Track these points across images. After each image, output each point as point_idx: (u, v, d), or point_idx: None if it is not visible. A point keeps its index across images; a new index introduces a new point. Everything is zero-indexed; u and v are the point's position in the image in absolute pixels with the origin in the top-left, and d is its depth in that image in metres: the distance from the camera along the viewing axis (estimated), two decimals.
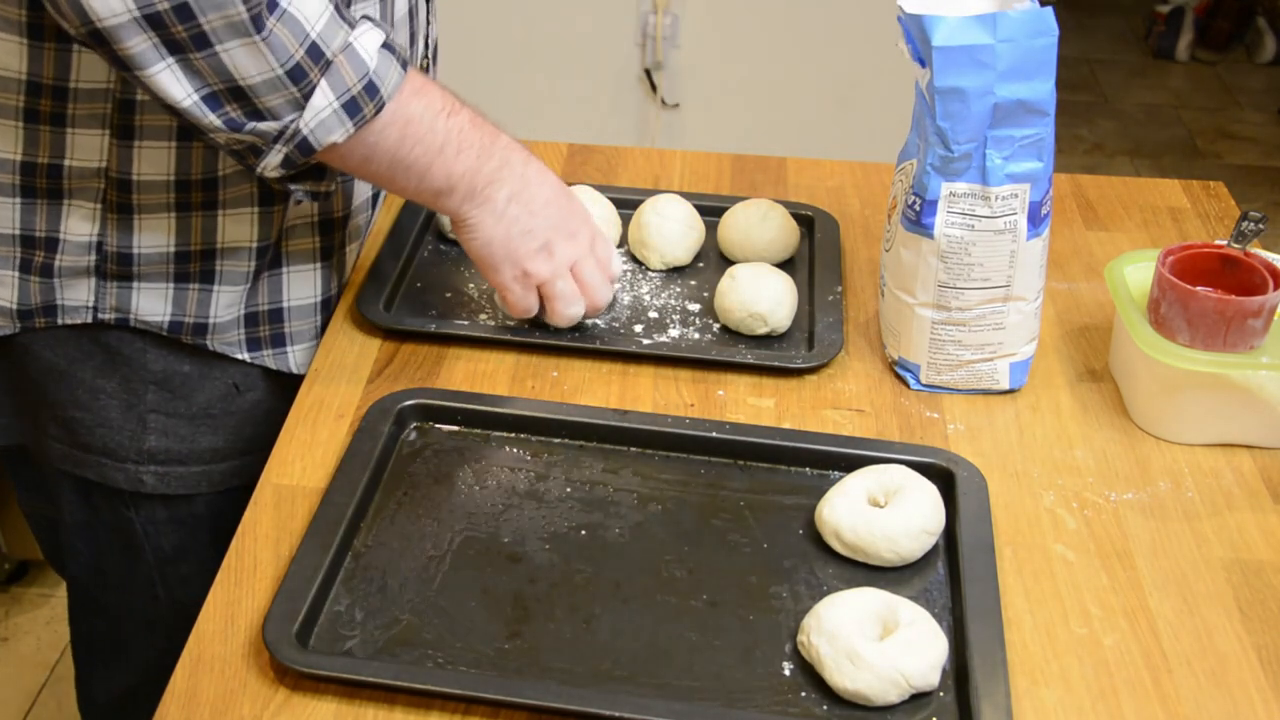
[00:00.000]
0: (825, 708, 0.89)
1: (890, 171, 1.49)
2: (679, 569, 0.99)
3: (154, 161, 1.08)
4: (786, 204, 1.37)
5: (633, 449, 1.10)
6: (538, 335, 1.21)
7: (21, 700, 2.22)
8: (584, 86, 2.74)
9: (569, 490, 1.06)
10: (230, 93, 0.96)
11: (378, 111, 1.01)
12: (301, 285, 1.21)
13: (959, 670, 0.90)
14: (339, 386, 1.16)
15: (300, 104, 0.98)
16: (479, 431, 1.11)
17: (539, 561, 0.99)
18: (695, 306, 1.27)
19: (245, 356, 1.19)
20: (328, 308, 1.24)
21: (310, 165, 1.06)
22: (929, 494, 1.01)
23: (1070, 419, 1.16)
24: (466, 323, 1.23)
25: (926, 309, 1.14)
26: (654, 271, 1.32)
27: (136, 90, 1.04)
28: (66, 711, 2.17)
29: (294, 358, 1.22)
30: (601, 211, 1.34)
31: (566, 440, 1.10)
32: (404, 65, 1.03)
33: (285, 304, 1.20)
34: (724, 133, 2.76)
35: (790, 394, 1.17)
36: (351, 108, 1.00)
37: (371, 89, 1.00)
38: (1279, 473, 1.11)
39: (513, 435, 1.11)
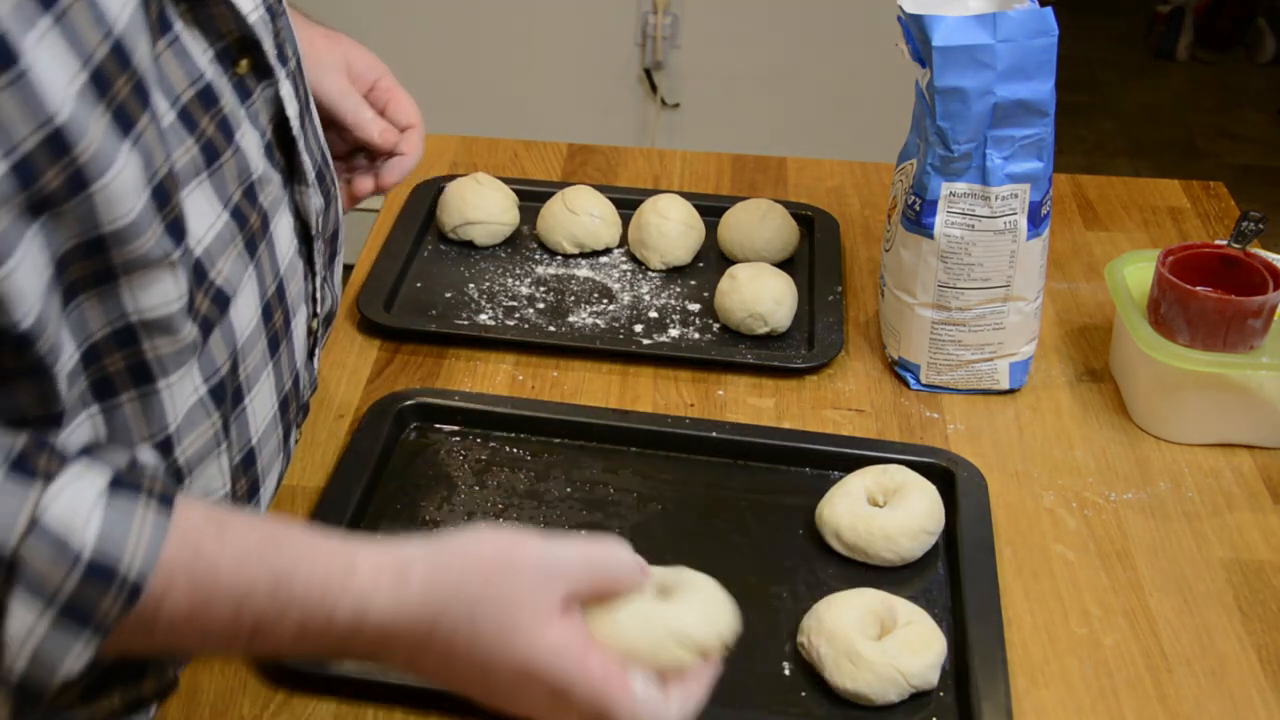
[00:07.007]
0: (825, 708, 0.88)
1: (890, 171, 1.49)
2: None
3: None
4: (786, 204, 1.37)
5: (633, 449, 1.10)
6: (538, 335, 1.21)
7: None
8: (584, 86, 2.73)
9: (569, 490, 1.05)
10: None
11: (131, 599, 0.63)
12: None
13: (959, 670, 0.90)
14: (339, 386, 1.16)
15: None
16: (479, 431, 1.11)
17: None
18: (695, 306, 1.27)
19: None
20: None
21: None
22: (929, 494, 1.01)
23: (1070, 419, 1.16)
24: (466, 323, 1.23)
25: (926, 309, 1.14)
26: (654, 271, 1.32)
27: None
28: None
29: None
30: (602, 211, 1.34)
31: (566, 440, 1.10)
32: (164, 499, 0.65)
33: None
34: (724, 133, 2.76)
35: (790, 394, 1.17)
36: (75, 612, 0.62)
37: (99, 571, 0.62)
38: (1279, 473, 1.11)
39: (513, 435, 1.11)
